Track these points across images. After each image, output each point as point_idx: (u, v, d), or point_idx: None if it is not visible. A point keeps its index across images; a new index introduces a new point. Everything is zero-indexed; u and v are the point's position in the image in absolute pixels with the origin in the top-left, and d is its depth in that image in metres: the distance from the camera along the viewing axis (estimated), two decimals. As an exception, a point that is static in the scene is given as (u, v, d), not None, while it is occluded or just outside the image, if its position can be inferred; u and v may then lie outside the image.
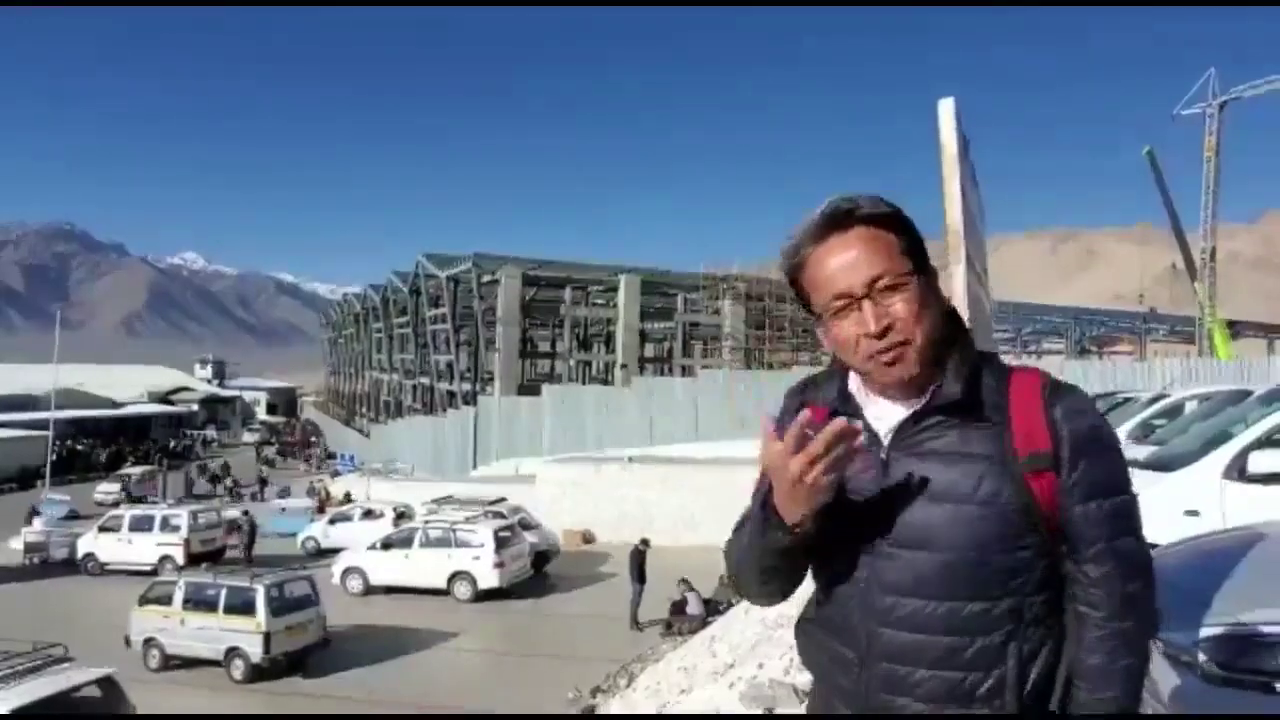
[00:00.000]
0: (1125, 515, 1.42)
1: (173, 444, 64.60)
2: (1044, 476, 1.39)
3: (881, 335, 1.39)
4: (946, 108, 4.96)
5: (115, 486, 39.73)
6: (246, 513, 27.96)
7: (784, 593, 1.59)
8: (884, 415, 1.49)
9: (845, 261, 1.41)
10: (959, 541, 1.38)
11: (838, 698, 1.52)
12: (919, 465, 1.43)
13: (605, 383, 47.37)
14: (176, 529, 23.45)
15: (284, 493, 35.32)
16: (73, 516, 31.25)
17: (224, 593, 15.27)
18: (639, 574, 17.25)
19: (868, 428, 1.49)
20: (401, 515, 24.89)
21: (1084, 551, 1.40)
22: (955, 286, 4.69)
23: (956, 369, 1.44)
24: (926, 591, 1.40)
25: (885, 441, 1.47)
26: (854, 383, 1.53)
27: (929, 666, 1.40)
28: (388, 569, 20.28)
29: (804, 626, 1.62)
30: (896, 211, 1.45)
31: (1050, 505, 1.39)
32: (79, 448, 56.05)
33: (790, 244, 1.47)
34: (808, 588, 1.62)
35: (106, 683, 10.57)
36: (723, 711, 6.06)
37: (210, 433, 77.47)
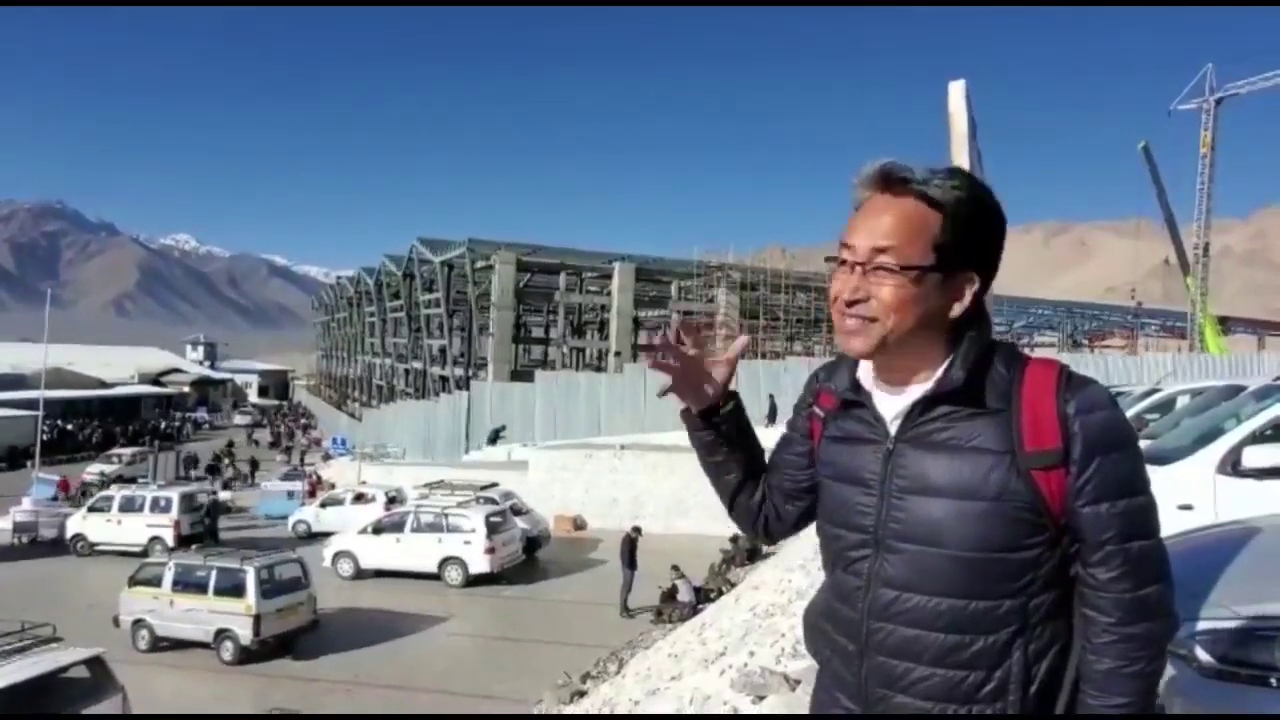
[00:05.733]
0: (1139, 517, 1.35)
1: (163, 425, 64.28)
2: (1053, 474, 1.34)
3: (851, 305, 1.38)
4: (957, 89, 4.94)
5: (107, 467, 39.51)
6: (214, 492, 27.92)
7: (736, 492, 1.69)
8: (892, 404, 1.46)
9: (867, 221, 1.39)
10: (963, 538, 1.35)
11: (838, 689, 1.50)
12: (925, 457, 1.40)
13: (598, 369, 47.32)
14: (166, 510, 23.38)
15: (290, 475, 35.21)
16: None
17: (214, 574, 15.23)
18: (630, 561, 17.28)
19: (876, 417, 1.47)
20: (393, 500, 24.87)
21: (1093, 554, 1.35)
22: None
23: (964, 357, 1.39)
24: (929, 587, 1.37)
25: (892, 431, 1.44)
26: (865, 368, 1.51)
27: (928, 664, 1.37)
28: (379, 553, 20.27)
29: (810, 616, 1.61)
30: (959, 199, 1.37)
31: (1059, 504, 1.34)
32: (69, 428, 55.79)
33: (857, 180, 1.44)
34: (811, 580, 1.62)
35: (95, 663, 10.57)
36: (712, 698, 6.06)
37: (201, 414, 77.13)
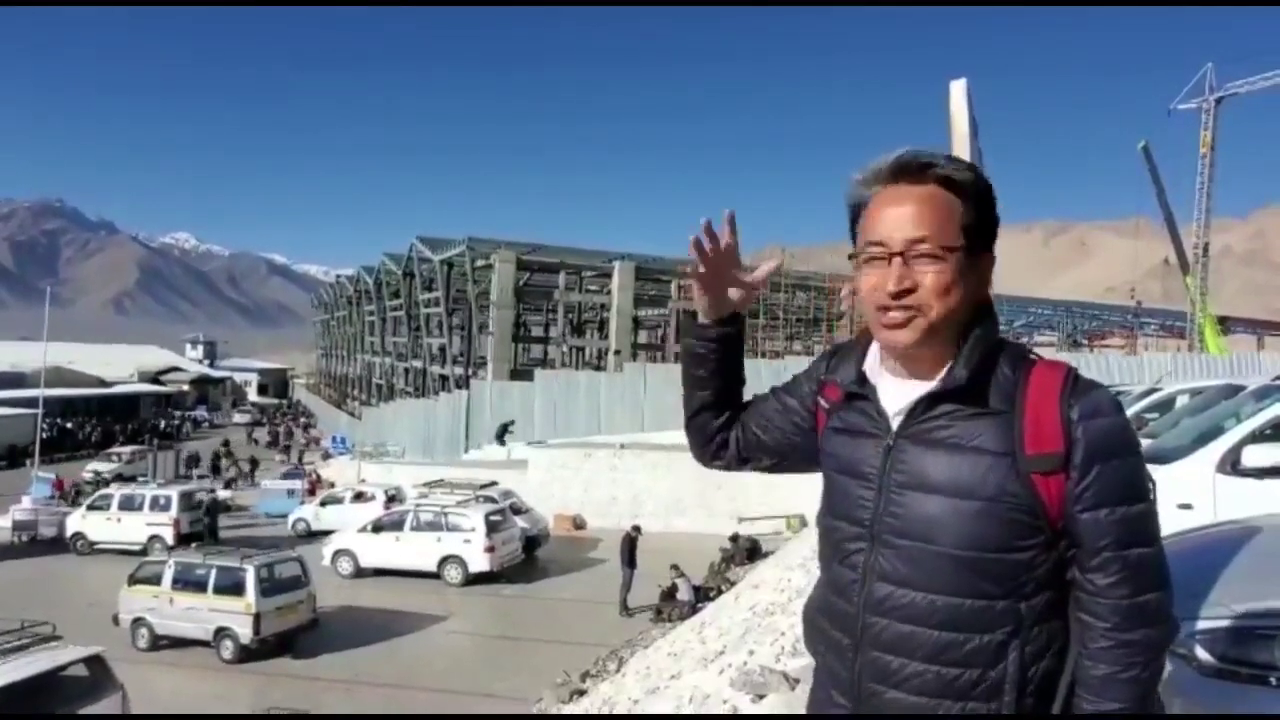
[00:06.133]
0: (1138, 524, 1.35)
1: (163, 424, 64.24)
2: (1053, 479, 1.34)
3: (898, 296, 1.37)
4: (959, 88, 4.95)
5: (106, 466, 39.49)
6: (213, 490, 27.91)
7: (702, 409, 1.70)
8: (896, 399, 1.46)
9: (898, 213, 1.39)
10: (957, 536, 1.35)
11: (833, 685, 1.50)
12: (925, 454, 1.40)
13: (598, 368, 47.30)
14: (166, 509, 23.37)
15: (290, 474, 35.16)
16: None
17: (214, 573, 15.22)
18: (630, 559, 17.28)
19: (879, 411, 1.47)
20: (392, 498, 24.88)
21: (1091, 559, 1.35)
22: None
23: (969, 355, 1.39)
24: (924, 584, 1.37)
25: (894, 426, 1.45)
26: (871, 361, 1.51)
27: (922, 660, 1.37)
28: (378, 552, 20.26)
29: (808, 612, 1.61)
30: (975, 181, 1.40)
31: (1058, 509, 1.34)
32: (68, 426, 55.76)
33: (863, 176, 1.45)
34: (810, 578, 1.63)
35: (94, 662, 10.56)
36: (712, 696, 6.06)
37: (200, 413, 77.03)
